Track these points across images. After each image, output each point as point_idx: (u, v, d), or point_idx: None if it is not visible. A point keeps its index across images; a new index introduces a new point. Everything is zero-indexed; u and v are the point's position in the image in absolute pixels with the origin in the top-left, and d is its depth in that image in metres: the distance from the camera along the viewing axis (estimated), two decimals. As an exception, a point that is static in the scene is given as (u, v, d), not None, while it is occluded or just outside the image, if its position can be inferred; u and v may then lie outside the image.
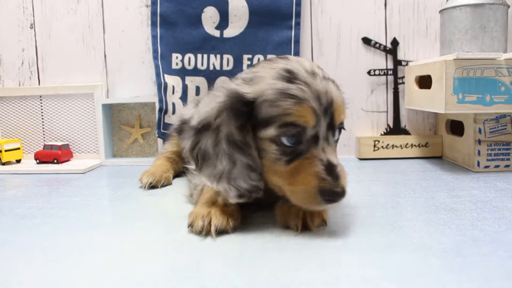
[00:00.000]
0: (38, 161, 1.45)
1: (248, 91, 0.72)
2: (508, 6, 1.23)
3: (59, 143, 1.46)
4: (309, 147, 0.71)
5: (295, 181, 0.71)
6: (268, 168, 0.74)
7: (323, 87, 0.71)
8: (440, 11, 1.29)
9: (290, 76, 0.71)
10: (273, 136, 0.71)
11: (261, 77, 0.73)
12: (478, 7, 1.19)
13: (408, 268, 0.59)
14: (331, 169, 0.69)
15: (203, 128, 0.74)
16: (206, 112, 0.74)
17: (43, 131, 1.56)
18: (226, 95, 0.73)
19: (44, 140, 1.56)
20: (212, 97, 0.76)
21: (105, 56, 1.52)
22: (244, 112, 0.71)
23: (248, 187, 0.72)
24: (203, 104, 0.78)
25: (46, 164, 1.43)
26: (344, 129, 0.79)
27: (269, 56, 1.40)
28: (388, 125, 1.48)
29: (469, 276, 0.55)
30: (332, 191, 0.68)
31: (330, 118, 0.72)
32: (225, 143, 0.72)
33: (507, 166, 1.19)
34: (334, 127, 0.73)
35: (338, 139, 0.77)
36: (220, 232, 0.73)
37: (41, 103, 1.55)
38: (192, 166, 0.88)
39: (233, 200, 0.73)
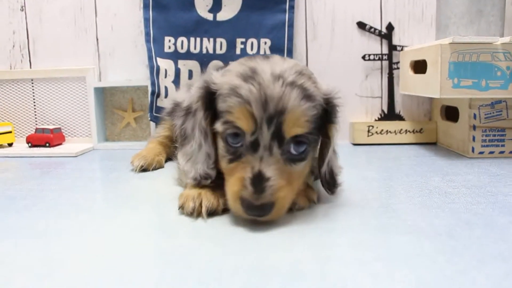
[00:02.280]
0: (30, 144, 1.43)
1: (216, 82, 0.73)
2: (505, -10, 1.22)
3: (51, 127, 1.45)
4: (247, 152, 0.68)
5: (228, 181, 0.70)
6: (219, 161, 0.75)
7: (278, 93, 0.66)
8: (437, -5, 1.28)
9: (249, 75, 0.68)
10: (220, 131, 0.71)
11: (229, 71, 0.73)
12: (474, -9, 1.18)
13: (400, 249, 0.58)
14: (258, 180, 0.65)
15: (188, 111, 0.80)
16: (191, 97, 0.80)
17: (35, 115, 1.54)
18: (204, 84, 0.75)
19: (36, 124, 1.54)
20: (200, 82, 0.79)
21: (97, 39, 1.50)
22: (210, 102, 0.74)
23: (201, 173, 0.75)
24: (193, 89, 0.82)
25: (38, 148, 1.41)
26: (306, 143, 0.70)
27: (262, 40, 1.39)
28: (382, 110, 1.48)
29: (461, 258, 0.55)
30: (250, 203, 0.64)
31: (277, 128, 0.66)
32: (198, 128, 0.76)
33: (501, 152, 1.19)
34: (283, 138, 0.67)
35: (301, 152, 0.70)
36: (211, 213, 0.72)
37: (32, 86, 1.53)
38: None
39: (189, 181, 0.77)
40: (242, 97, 0.67)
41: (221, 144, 0.72)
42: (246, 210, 0.65)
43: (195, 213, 0.71)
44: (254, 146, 0.67)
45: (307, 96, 0.68)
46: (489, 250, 0.57)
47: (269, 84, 0.67)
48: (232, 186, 0.68)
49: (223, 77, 0.73)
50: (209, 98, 0.73)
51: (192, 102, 0.78)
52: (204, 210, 0.71)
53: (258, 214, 0.65)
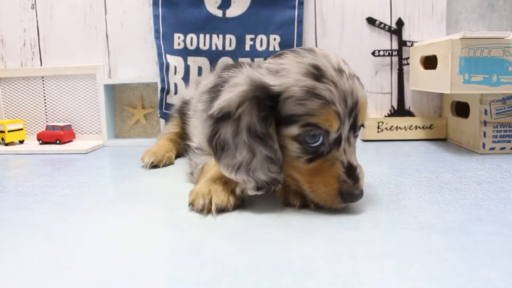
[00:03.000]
0: (40, 141, 1.44)
1: (274, 83, 0.69)
2: (517, -15, 1.21)
3: (62, 124, 1.46)
4: (331, 148, 0.70)
5: (315, 180, 0.70)
6: (287, 163, 0.73)
7: (350, 87, 0.69)
8: (447, -10, 1.27)
9: (318, 74, 0.68)
10: (295, 135, 0.69)
11: (288, 71, 0.70)
12: (485, -14, 1.17)
13: (411, 245, 0.58)
14: (351, 171, 0.69)
15: (223, 116, 0.70)
16: (226, 100, 0.70)
17: (46, 112, 1.55)
18: (249, 84, 0.70)
19: (47, 121, 1.55)
20: (232, 84, 0.72)
21: (107, 36, 1.51)
22: (268, 105, 0.69)
23: (267, 179, 0.70)
24: (225, 92, 0.72)
25: (49, 145, 1.43)
26: (364, 126, 0.76)
27: (272, 36, 1.39)
28: (392, 106, 1.47)
29: (472, 254, 0.54)
30: (352, 193, 0.68)
31: (354, 119, 0.70)
32: (246, 133, 0.69)
33: (512, 148, 1.18)
34: (356, 127, 0.72)
35: (358, 135, 0.75)
36: (221, 210, 0.72)
37: (43, 83, 1.54)
38: (193, 144, 0.88)
39: (251, 192, 0.71)
40: (325, 98, 0.67)
41: (293, 146, 0.71)
42: (347, 201, 0.69)
43: (205, 210, 0.71)
44: (338, 141, 0.70)
45: (361, 82, 0.73)
46: (501, 246, 0.57)
47: (339, 80, 0.68)
48: (328, 185, 0.69)
49: (282, 78, 0.69)
50: (265, 101, 0.69)
51: (230, 106, 0.70)
52: (213, 207, 0.71)
53: (356, 200, 0.70)
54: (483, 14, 1.17)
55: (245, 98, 0.69)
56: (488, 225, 0.65)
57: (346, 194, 0.68)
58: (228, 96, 0.70)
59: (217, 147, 0.71)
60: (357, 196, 0.69)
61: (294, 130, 0.69)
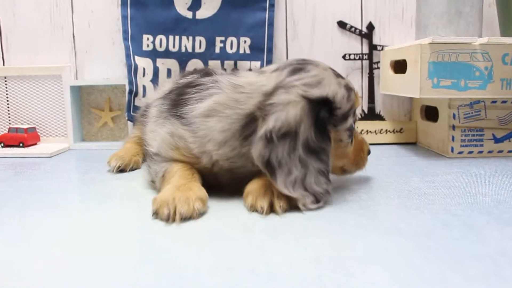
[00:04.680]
0: (2, 144, 1.39)
1: (324, 94, 0.75)
2: (484, -9, 1.22)
3: (25, 126, 1.41)
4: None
5: (358, 152, 0.88)
6: (338, 156, 0.83)
7: None
8: (416, -5, 1.28)
9: (338, 73, 0.82)
10: (350, 124, 0.81)
11: (326, 79, 0.77)
12: (454, -9, 1.18)
13: (377, 250, 0.57)
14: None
15: (282, 136, 0.72)
16: (284, 120, 0.71)
17: (8, 114, 1.50)
18: (302, 101, 0.73)
19: (10, 123, 1.50)
20: (282, 104, 0.73)
21: (73, 36, 1.47)
22: (324, 117, 0.75)
23: (321, 191, 0.74)
24: (279, 114, 0.72)
25: (11, 148, 1.38)
26: None
27: (242, 39, 1.37)
28: (362, 110, 1.47)
29: (439, 258, 0.54)
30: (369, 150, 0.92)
31: None
32: (302, 149, 0.73)
33: (480, 152, 1.19)
34: None
35: None
36: (187, 218, 0.70)
37: (5, 84, 1.48)
38: (152, 149, 0.86)
39: (312, 206, 0.73)
40: (352, 89, 0.82)
41: (346, 135, 0.81)
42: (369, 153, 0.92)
43: (170, 220, 0.69)
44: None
45: None
46: (466, 251, 0.57)
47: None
48: (363, 152, 0.90)
49: (328, 87, 0.77)
50: (318, 113, 0.74)
51: (289, 125, 0.72)
52: (178, 217, 0.68)
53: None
54: (451, 19, 1.18)
55: (303, 115, 0.72)
56: (455, 230, 0.65)
57: (369, 152, 0.92)
58: (285, 116, 0.72)
59: (274, 167, 0.72)
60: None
61: (350, 121, 0.80)
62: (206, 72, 0.91)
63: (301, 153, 0.72)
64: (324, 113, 0.75)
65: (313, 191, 0.73)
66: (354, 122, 0.84)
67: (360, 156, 0.89)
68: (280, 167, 0.72)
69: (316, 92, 0.75)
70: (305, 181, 0.73)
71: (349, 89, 0.80)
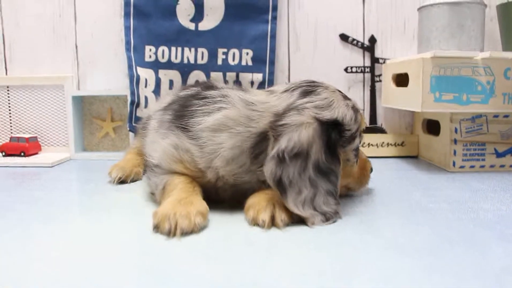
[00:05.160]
0: (3, 153, 1.39)
1: (334, 116, 0.78)
2: (485, 6, 1.22)
3: (27, 136, 1.41)
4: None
5: (361, 170, 0.90)
6: (344, 175, 0.83)
7: None
8: (419, 9, 1.28)
9: (345, 95, 0.85)
10: (357, 145, 0.83)
11: (335, 101, 0.80)
12: (456, 5, 1.18)
13: (379, 265, 0.57)
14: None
15: (295, 156, 0.73)
16: (297, 141, 0.73)
17: (10, 123, 1.50)
18: (314, 122, 0.75)
19: (11, 132, 1.50)
20: (295, 125, 0.75)
21: (76, 46, 1.47)
22: (335, 139, 0.77)
23: (330, 211, 0.75)
24: (291, 134, 0.74)
25: (12, 157, 1.38)
26: None
27: (244, 51, 1.38)
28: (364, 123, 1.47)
29: (440, 275, 0.54)
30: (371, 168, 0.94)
31: None
32: (313, 170, 0.74)
33: (482, 166, 1.19)
34: None
35: None
36: (188, 233, 0.69)
37: (8, 93, 1.49)
38: (153, 160, 0.85)
39: (320, 224, 0.73)
40: (359, 110, 0.85)
41: (352, 154, 0.84)
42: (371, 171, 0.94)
43: (171, 235, 0.68)
44: None
45: None
46: (469, 267, 0.56)
47: None
48: (365, 170, 0.92)
49: (337, 110, 0.79)
50: (330, 135, 0.77)
51: (301, 146, 0.73)
52: (179, 232, 0.68)
53: None
54: (453, 33, 1.18)
55: (315, 136, 0.74)
56: (457, 246, 0.64)
57: (371, 169, 0.94)
58: (298, 137, 0.73)
59: (285, 186, 0.73)
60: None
61: (357, 142, 0.83)
62: (208, 85, 0.90)
63: (311, 173, 0.74)
64: (335, 135, 0.77)
65: (322, 211, 0.74)
66: (360, 142, 0.86)
67: (363, 174, 0.91)
68: (291, 186, 0.73)
69: (327, 115, 0.77)
70: (314, 201, 0.74)
71: (356, 110, 0.83)
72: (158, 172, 0.84)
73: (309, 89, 0.81)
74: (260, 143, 0.77)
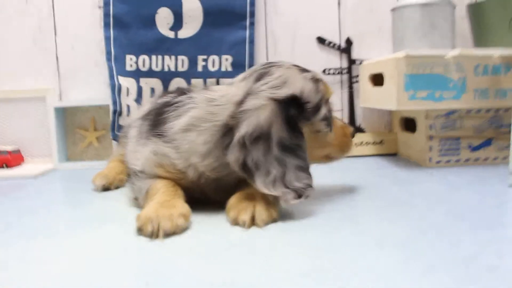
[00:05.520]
0: (-14, 167, 1.40)
1: (290, 92, 0.78)
2: (454, 6, 1.26)
3: (9, 148, 1.42)
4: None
5: (340, 138, 0.91)
6: (321, 145, 0.87)
7: None
8: (392, 10, 1.32)
9: (303, 68, 0.85)
10: (324, 114, 0.83)
11: (291, 77, 0.81)
12: (427, 6, 1.22)
13: (354, 258, 0.59)
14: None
15: (255, 139, 0.75)
16: (255, 124, 0.75)
17: (-7, 136, 1.50)
18: (271, 103, 0.76)
19: (-6, 146, 1.50)
20: (252, 110, 0.76)
21: (57, 58, 1.48)
22: (294, 114, 0.78)
23: (302, 186, 0.76)
24: (250, 119, 0.75)
25: (-4, 170, 1.38)
26: None
27: (224, 57, 1.40)
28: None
29: (415, 264, 0.56)
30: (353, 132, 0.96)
31: None
32: (277, 149, 0.76)
33: (457, 160, 1.22)
34: None
35: None
36: (170, 234, 0.71)
37: (-10, 107, 1.49)
38: (136, 167, 0.87)
39: (293, 201, 0.75)
40: (320, 79, 0.86)
41: (323, 124, 0.84)
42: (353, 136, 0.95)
43: (154, 236, 0.70)
44: None
45: None
46: (439, 255, 0.59)
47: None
48: (347, 135, 0.94)
49: (294, 84, 0.80)
50: (288, 112, 0.78)
51: (260, 128, 0.75)
52: (161, 233, 0.70)
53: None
54: (425, 33, 1.22)
55: (273, 116, 0.76)
56: (430, 236, 0.67)
57: (352, 134, 0.95)
58: (256, 120, 0.75)
59: (251, 169, 0.75)
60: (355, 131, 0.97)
61: (322, 111, 0.83)
62: (181, 91, 0.93)
63: (276, 152, 0.75)
64: (293, 110, 0.78)
65: (294, 187, 0.75)
66: (330, 111, 0.87)
67: (344, 140, 0.92)
68: (258, 169, 0.75)
69: (282, 92, 0.78)
70: (285, 178, 0.75)
71: (316, 81, 0.83)
72: (142, 177, 0.87)
73: (264, 71, 0.82)
74: (227, 134, 0.78)
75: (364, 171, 1.21)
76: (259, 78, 0.81)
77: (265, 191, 0.74)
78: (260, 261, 0.60)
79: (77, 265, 0.62)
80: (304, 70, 0.84)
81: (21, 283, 0.56)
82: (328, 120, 0.85)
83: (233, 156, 0.75)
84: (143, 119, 0.93)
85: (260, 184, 0.74)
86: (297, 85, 0.80)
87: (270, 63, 0.85)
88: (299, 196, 0.75)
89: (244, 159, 0.74)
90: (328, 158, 0.93)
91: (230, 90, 0.82)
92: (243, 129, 0.75)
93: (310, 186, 0.77)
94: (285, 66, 0.84)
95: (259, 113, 0.75)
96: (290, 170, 0.76)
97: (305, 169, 0.78)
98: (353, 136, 0.95)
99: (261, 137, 0.75)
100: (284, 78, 0.80)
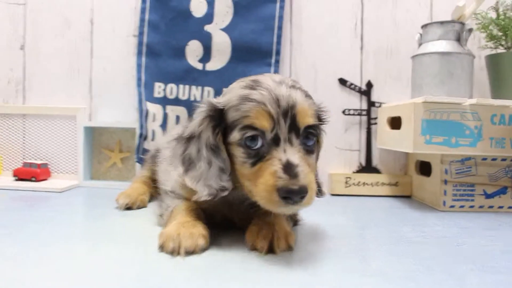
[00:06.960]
0: (16, 178, 1.46)
1: (221, 101, 0.81)
2: (474, 57, 1.31)
3: (39, 162, 1.48)
4: (270, 149, 0.74)
5: (257, 182, 0.73)
6: (239, 172, 0.79)
7: (286, 92, 0.76)
8: (412, 57, 1.37)
9: (255, 85, 0.78)
10: (238, 139, 0.76)
11: (232, 88, 0.83)
12: (446, 55, 1.27)
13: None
14: (289, 168, 0.71)
15: (190, 137, 0.83)
16: (192, 124, 0.83)
17: (24, 149, 1.57)
18: (206, 107, 0.81)
19: (24, 158, 1.57)
20: (197, 111, 0.83)
21: (90, 80, 1.56)
22: (217, 120, 0.79)
23: (217, 187, 0.79)
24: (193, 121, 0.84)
25: (24, 182, 1.44)
26: (315, 135, 0.80)
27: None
28: (360, 163, 1.54)
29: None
30: (289, 188, 0.68)
31: (292, 120, 0.75)
32: (205, 148, 0.80)
33: (471, 206, 1.24)
34: (298, 129, 0.76)
35: (311, 145, 0.79)
36: (190, 252, 0.75)
37: (23, 121, 1.57)
38: (167, 188, 0.92)
39: (204, 198, 0.78)
40: (255, 100, 0.75)
41: (239, 152, 0.77)
42: (285, 197, 0.69)
43: (175, 254, 0.74)
44: (276, 141, 0.75)
45: (307, 95, 0.80)
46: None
47: (276, 87, 0.76)
48: (266, 183, 0.71)
49: (227, 95, 0.81)
50: (216, 117, 0.80)
51: (194, 128, 0.82)
52: (182, 251, 0.74)
53: (297, 198, 0.69)
54: (443, 80, 1.27)
55: (203, 118, 0.81)
56: (437, 274, 0.69)
57: (283, 190, 0.68)
58: (194, 121, 0.83)
59: (186, 163, 0.83)
60: (294, 191, 0.68)
61: (236, 135, 0.76)
62: None
63: (204, 152, 0.80)
64: (217, 118, 0.80)
65: (209, 186, 0.79)
66: (246, 144, 0.76)
67: (262, 186, 0.72)
68: (190, 164, 0.82)
69: (216, 100, 0.82)
70: (206, 176, 0.80)
71: (243, 99, 0.76)
72: (171, 196, 0.93)
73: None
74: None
75: (377, 209, 1.24)
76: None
77: (192, 186, 0.80)
78: (273, 285, 0.63)
79: (92, 273, 0.65)
80: (249, 87, 0.78)
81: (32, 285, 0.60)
82: (247, 152, 0.76)
83: (177, 150, 0.86)
84: (176, 140, 0.96)
85: (189, 179, 0.81)
86: (228, 96, 0.80)
87: (253, 77, 0.83)
88: (211, 194, 0.78)
89: (182, 152, 0.83)
90: (248, 191, 0.78)
91: None
92: (188, 129, 0.84)
93: (225, 188, 0.79)
94: (246, 80, 0.82)
95: (197, 117, 0.82)
96: (212, 170, 0.80)
97: (225, 170, 0.79)
98: (282, 195, 0.69)
99: (192, 137, 0.82)
100: (227, 90, 0.84)
